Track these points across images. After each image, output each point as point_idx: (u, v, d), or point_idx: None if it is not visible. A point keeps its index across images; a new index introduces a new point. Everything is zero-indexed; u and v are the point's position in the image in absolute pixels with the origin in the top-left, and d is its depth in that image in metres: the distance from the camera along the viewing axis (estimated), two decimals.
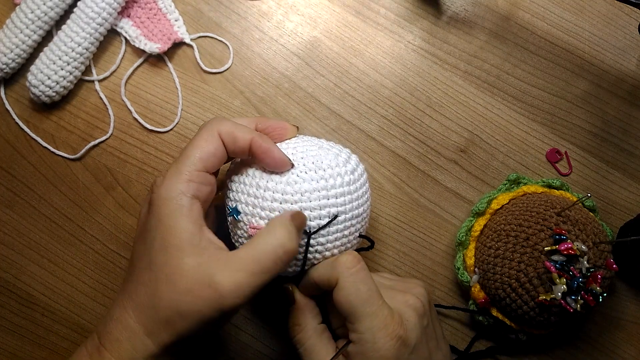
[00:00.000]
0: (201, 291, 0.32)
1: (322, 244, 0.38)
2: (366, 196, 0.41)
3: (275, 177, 0.38)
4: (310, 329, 0.39)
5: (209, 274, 0.32)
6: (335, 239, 0.39)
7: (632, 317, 0.50)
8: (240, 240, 0.40)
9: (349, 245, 0.40)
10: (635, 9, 0.52)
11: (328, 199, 0.38)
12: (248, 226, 0.38)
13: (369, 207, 0.42)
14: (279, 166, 0.38)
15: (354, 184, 0.39)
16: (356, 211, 0.39)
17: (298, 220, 0.36)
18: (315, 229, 0.38)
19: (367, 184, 0.41)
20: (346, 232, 0.39)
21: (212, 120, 0.38)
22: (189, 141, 0.38)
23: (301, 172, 0.38)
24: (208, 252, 0.33)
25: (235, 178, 0.40)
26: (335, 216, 0.38)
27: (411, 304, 0.38)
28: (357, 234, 0.40)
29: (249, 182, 0.39)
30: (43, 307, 0.48)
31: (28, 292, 0.48)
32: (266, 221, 0.37)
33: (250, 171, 0.39)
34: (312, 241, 0.38)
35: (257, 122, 0.41)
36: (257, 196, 0.38)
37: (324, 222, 0.38)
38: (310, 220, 0.37)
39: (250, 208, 0.38)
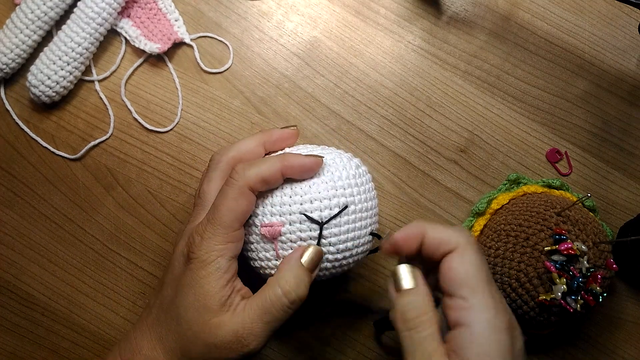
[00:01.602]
0: (226, 345, 0.35)
1: (335, 235, 0.38)
2: (373, 193, 0.41)
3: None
4: (435, 315, 0.33)
5: (233, 330, 0.35)
6: (348, 231, 0.39)
7: (632, 317, 0.50)
8: (251, 248, 0.40)
9: (362, 240, 0.40)
10: (635, 9, 0.52)
11: (337, 190, 0.38)
12: (259, 227, 0.38)
13: (377, 207, 0.42)
14: (315, 169, 0.38)
15: (360, 178, 0.40)
16: (365, 204, 0.40)
17: (311, 255, 0.37)
18: (327, 219, 0.38)
19: (372, 184, 0.42)
20: (357, 225, 0.39)
21: (238, 172, 0.36)
22: (220, 196, 0.36)
23: None
24: (233, 307, 0.36)
25: None
26: (346, 206, 0.38)
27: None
28: (369, 230, 0.40)
29: None
30: (43, 307, 0.48)
31: (28, 292, 0.48)
32: (278, 217, 0.38)
33: None
34: (325, 232, 0.38)
35: (263, 141, 0.41)
36: (265, 195, 0.38)
37: (335, 212, 0.38)
38: (321, 211, 0.38)
39: (261, 208, 0.38)
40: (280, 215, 0.38)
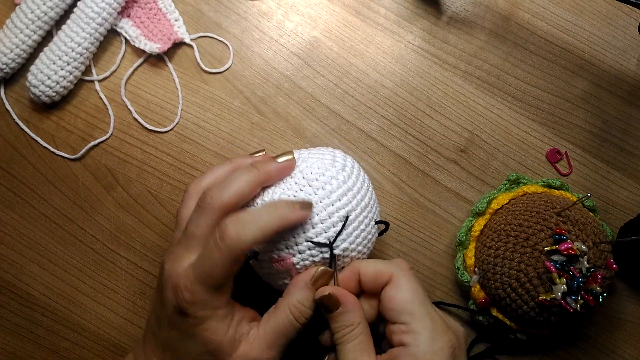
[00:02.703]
0: None
1: (345, 248, 0.38)
2: (366, 184, 0.40)
3: None
4: (364, 325, 0.36)
5: (252, 358, 0.36)
6: (356, 237, 0.38)
7: (632, 317, 0.50)
8: (269, 278, 0.40)
9: (370, 237, 0.40)
10: (635, 9, 0.52)
11: (333, 205, 0.37)
12: (271, 262, 0.38)
13: (373, 192, 0.41)
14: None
15: (350, 179, 0.39)
16: (363, 203, 0.39)
17: (319, 277, 0.37)
18: (334, 238, 0.37)
19: (361, 172, 0.41)
20: (363, 227, 0.39)
21: (227, 235, 0.34)
22: (208, 257, 0.35)
23: (296, 191, 0.37)
24: (244, 337, 0.36)
25: None
26: (347, 217, 0.37)
27: (456, 328, 0.37)
28: (373, 222, 0.40)
29: None
30: (43, 307, 0.48)
31: (28, 292, 0.48)
32: (285, 250, 0.37)
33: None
34: (336, 250, 0.37)
35: (235, 165, 0.40)
36: None
37: (338, 227, 0.37)
38: (325, 232, 0.37)
39: (266, 244, 0.38)
40: (287, 248, 0.37)
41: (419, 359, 0.34)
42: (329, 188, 0.37)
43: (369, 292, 0.38)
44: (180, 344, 0.36)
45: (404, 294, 0.36)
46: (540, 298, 0.42)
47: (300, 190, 0.37)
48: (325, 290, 0.36)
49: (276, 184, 0.38)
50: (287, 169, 0.38)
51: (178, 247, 0.37)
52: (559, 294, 0.41)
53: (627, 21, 0.54)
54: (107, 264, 0.49)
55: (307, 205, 0.36)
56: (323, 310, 0.37)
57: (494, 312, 0.46)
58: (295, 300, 0.36)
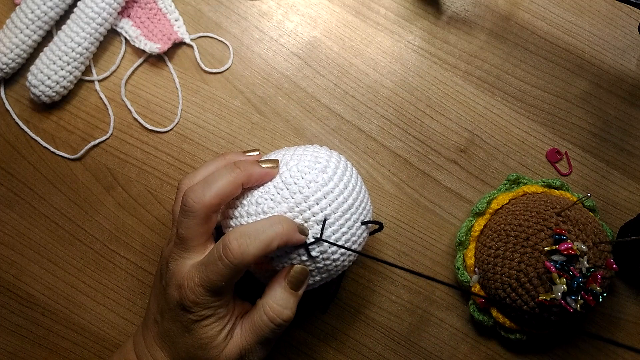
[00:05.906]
0: None
1: (324, 251, 0.37)
2: (352, 184, 0.39)
3: (251, 212, 0.37)
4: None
5: (237, 352, 0.38)
6: (336, 240, 0.37)
7: (632, 317, 0.50)
8: (258, 277, 0.40)
9: (355, 238, 0.38)
10: (635, 9, 0.52)
11: (309, 209, 0.36)
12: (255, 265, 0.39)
13: (362, 192, 0.40)
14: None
15: (331, 180, 0.37)
16: (346, 204, 0.38)
17: (294, 275, 0.37)
18: (310, 242, 0.37)
19: (348, 171, 0.39)
20: (345, 229, 0.38)
21: (231, 251, 0.35)
22: (209, 265, 0.35)
23: (273, 195, 0.37)
24: (232, 333, 0.38)
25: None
26: (325, 220, 0.37)
27: None
28: (359, 224, 0.39)
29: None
30: (43, 307, 0.48)
31: (28, 292, 0.48)
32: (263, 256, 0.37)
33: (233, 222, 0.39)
34: (319, 249, 0.37)
35: (226, 161, 0.40)
36: None
37: (315, 230, 0.37)
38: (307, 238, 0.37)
39: None
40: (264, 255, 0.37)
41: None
42: (306, 192, 0.37)
43: None
44: (179, 337, 0.38)
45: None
46: (540, 298, 0.42)
47: (278, 194, 0.37)
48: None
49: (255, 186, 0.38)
50: (269, 176, 0.38)
51: (176, 247, 0.38)
52: (559, 294, 0.41)
53: (627, 21, 0.54)
54: (107, 264, 0.49)
55: (305, 232, 0.37)
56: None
57: (494, 312, 0.46)
58: (270, 302, 0.37)
